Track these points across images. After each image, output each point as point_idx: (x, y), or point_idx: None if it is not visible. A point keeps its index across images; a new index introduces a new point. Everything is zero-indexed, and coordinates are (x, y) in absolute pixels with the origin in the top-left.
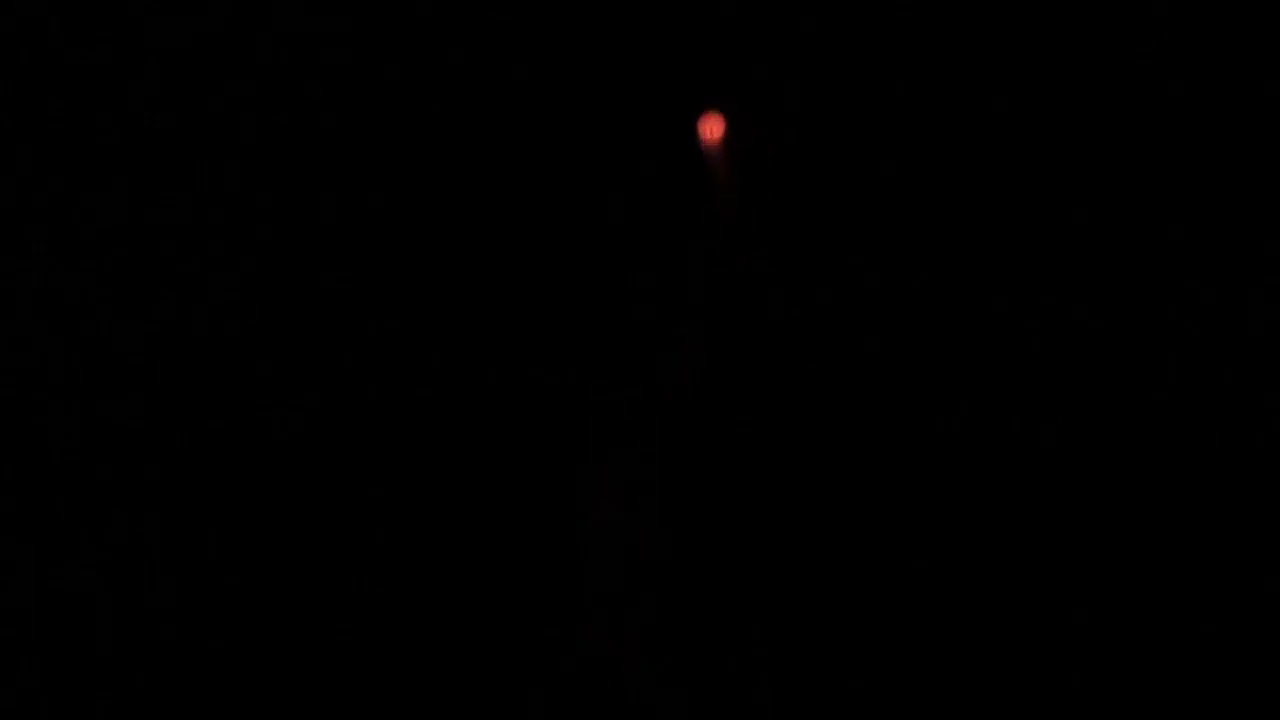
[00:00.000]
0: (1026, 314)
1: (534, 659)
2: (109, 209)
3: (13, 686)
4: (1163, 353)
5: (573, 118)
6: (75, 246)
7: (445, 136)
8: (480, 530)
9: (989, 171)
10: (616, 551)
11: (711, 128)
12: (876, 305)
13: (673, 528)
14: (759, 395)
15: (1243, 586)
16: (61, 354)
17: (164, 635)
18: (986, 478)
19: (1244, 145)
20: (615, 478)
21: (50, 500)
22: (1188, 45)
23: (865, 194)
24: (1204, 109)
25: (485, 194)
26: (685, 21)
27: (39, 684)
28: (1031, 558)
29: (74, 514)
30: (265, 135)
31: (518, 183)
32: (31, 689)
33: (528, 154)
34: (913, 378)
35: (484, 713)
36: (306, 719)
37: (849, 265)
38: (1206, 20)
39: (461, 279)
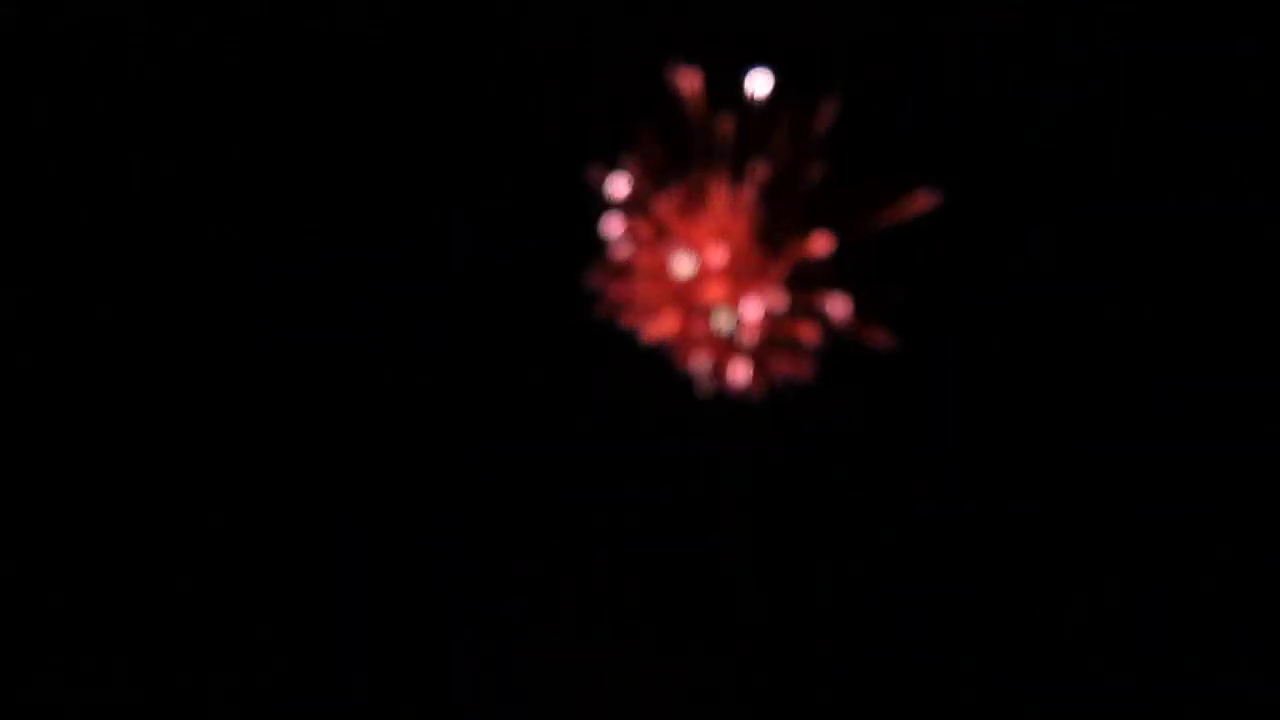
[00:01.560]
0: (1028, 312)
1: (530, 659)
2: (112, 208)
3: (12, 686)
4: (1163, 352)
5: (572, 116)
6: (76, 246)
7: (444, 136)
8: (480, 529)
9: (990, 174)
10: (623, 558)
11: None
12: (876, 308)
13: (679, 535)
14: (761, 407)
15: (1242, 586)
16: (61, 354)
17: (164, 634)
18: (986, 478)
19: (1244, 145)
20: (619, 492)
21: (51, 500)
22: (1189, 46)
23: (866, 196)
24: (1204, 110)
25: (484, 193)
26: (685, 20)
27: (39, 683)
28: (1032, 559)
29: (73, 513)
30: (265, 135)
31: (516, 181)
32: (31, 688)
33: (526, 152)
34: (913, 378)
35: (483, 712)
36: (307, 718)
37: (852, 276)
38: (1208, 20)
39: (460, 278)
